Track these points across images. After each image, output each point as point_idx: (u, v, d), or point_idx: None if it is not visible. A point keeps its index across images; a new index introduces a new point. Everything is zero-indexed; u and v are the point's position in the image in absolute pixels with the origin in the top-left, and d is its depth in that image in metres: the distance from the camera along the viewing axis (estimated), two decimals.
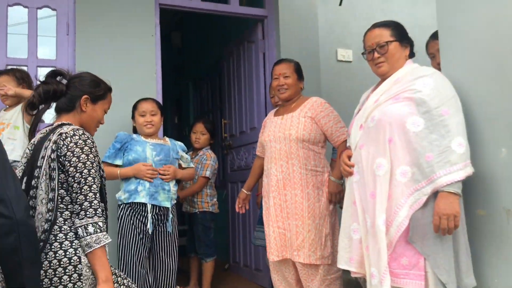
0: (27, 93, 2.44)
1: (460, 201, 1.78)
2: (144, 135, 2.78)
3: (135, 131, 2.87)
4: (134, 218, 2.62)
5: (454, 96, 1.87)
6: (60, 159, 1.63)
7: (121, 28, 3.12)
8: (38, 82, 1.80)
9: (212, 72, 5.26)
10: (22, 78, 2.58)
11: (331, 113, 2.60)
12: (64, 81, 1.81)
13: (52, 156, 1.63)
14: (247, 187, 2.93)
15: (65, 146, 1.63)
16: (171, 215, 2.71)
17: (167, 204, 2.69)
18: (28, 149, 1.73)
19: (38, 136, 1.73)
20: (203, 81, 5.68)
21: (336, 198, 2.54)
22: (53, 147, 1.64)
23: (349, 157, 2.14)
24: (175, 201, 2.78)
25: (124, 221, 2.62)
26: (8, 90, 2.45)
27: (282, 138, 2.57)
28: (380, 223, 1.86)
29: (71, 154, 1.63)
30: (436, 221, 1.75)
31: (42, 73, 2.99)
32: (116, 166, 2.69)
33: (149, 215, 2.63)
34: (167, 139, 2.87)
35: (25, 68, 2.89)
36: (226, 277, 4.06)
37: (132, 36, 3.14)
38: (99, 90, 1.86)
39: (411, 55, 2.14)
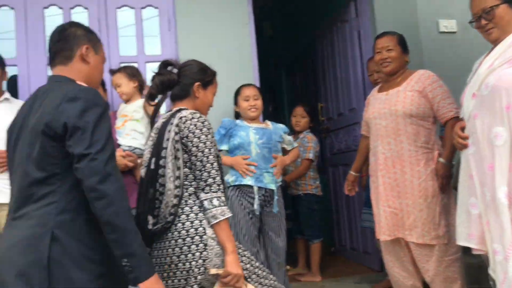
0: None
1: None
2: (248, 119, 2.85)
3: (237, 117, 2.96)
4: (243, 199, 2.71)
5: None
6: (183, 141, 1.76)
7: (217, 19, 3.23)
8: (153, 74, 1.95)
9: (304, 58, 5.24)
10: (133, 74, 2.77)
11: (439, 87, 2.45)
12: (175, 71, 1.95)
13: (175, 138, 1.76)
14: (355, 168, 2.88)
15: (186, 128, 1.76)
16: (276, 197, 2.76)
17: (273, 186, 2.74)
18: (154, 133, 1.87)
19: (160, 121, 1.87)
20: (296, 67, 5.68)
21: (444, 182, 2.39)
22: (176, 130, 1.76)
23: (463, 129, 2.01)
24: (280, 183, 2.82)
25: (233, 201, 2.73)
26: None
27: (388, 114, 2.47)
28: (501, 196, 1.73)
29: (192, 135, 1.75)
30: None
31: (150, 68, 3.23)
32: (220, 151, 2.81)
33: (256, 197, 2.70)
34: (269, 122, 2.91)
35: (135, 65, 3.13)
36: (333, 260, 4.04)
37: (228, 26, 3.24)
38: (207, 76, 1.98)
39: None
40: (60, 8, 3.13)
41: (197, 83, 1.92)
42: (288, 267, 2.97)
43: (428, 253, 2.37)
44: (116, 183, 1.35)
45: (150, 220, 1.73)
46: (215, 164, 1.76)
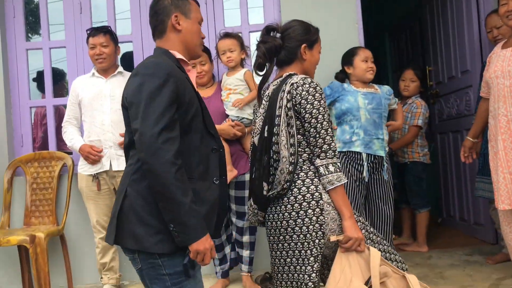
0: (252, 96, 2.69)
1: None
2: (363, 81, 2.76)
3: (342, 81, 2.87)
4: (349, 166, 2.65)
5: None
6: (296, 107, 1.74)
7: None
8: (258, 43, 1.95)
9: (411, 19, 4.93)
10: (244, 45, 2.82)
11: None
12: (278, 35, 1.90)
13: (288, 105, 1.74)
14: (473, 134, 2.70)
15: (298, 94, 1.73)
16: (386, 164, 2.68)
17: (382, 153, 2.66)
18: (265, 100, 1.87)
19: (271, 88, 1.86)
20: (401, 30, 5.37)
21: None
22: (288, 97, 1.75)
23: None
24: (388, 150, 2.74)
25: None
26: (239, 104, 2.67)
27: None
28: None
29: (305, 102, 1.73)
30: None
31: (254, 37, 3.29)
32: None
33: (365, 164, 2.64)
34: (376, 86, 2.81)
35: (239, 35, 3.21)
36: (440, 231, 3.87)
37: None
38: (312, 35, 1.90)
39: None
40: None
41: (303, 45, 1.86)
42: (393, 236, 2.91)
43: None
44: (165, 156, 1.38)
45: (265, 186, 1.76)
46: (329, 130, 1.74)
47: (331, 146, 1.73)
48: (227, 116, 2.73)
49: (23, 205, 3.11)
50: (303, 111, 1.73)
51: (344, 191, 1.73)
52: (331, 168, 1.72)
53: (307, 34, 1.89)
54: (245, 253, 2.77)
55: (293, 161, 1.73)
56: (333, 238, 1.72)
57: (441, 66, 3.90)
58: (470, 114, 3.36)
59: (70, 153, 3.26)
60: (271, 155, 1.78)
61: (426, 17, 4.18)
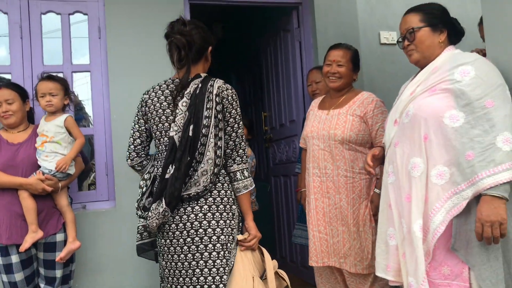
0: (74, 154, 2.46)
1: (507, 206, 1.57)
2: None
3: None
4: None
5: (500, 85, 1.65)
6: (223, 111, 1.85)
7: (151, 28, 3.05)
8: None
9: (253, 64, 5.16)
10: (68, 89, 2.57)
11: (380, 113, 2.37)
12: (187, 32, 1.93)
13: (217, 108, 1.83)
14: (303, 185, 2.66)
15: (225, 99, 1.86)
16: None
17: None
18: (186, 98, 1.85)
19: (192, 87, 1.86)
20: (245, 73, 5.59)
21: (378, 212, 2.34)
22: (217, 100, 1.84)
23: (374, 156, 2.00)
24: None
25: None
26: (64, 165, 2.38)
27: (327, 138, 2.37)
28: (416, 229, 1.70)
29: (231, 107, 1.87)
30: (479, 228, 1.56)
31: (76, 78, 3.05)
32: None
33: None
34: None
35: (61, 75, 2.94)
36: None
37: (160, 31, 3.07)
38: (213, 41, 2.00)
39: (455, 40, 1.93)
40: None
41: (211, 47, 1.96)
42: None
43: (362, 281, 2.33)
44: None
45: (182, 186, 1.78)
46: (243, 136, 1.92)
47: (245, 152, 1.91)
48: (39, 167, 2.43)
49: None
50: (229, 115, 1.87)
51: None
52: (246, 173, 1.91)
53: (211, 38, 1.96)
54: None
55: (218, 163, 1.83)
56: (240, 237, 1.88)
57: (274, 112, 4.10)
58: (295, 160, 3.56)
59: None
60: (195, 156, 1.78)
61: (263, 64, 4.39)
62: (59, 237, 2.41)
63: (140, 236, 2.04)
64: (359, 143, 2.35)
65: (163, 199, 1.80)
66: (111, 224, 2.88)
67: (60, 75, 2.94)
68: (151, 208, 1.85)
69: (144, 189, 1.97)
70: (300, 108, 3.55)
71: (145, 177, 2.00)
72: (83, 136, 2.53)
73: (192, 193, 1.79)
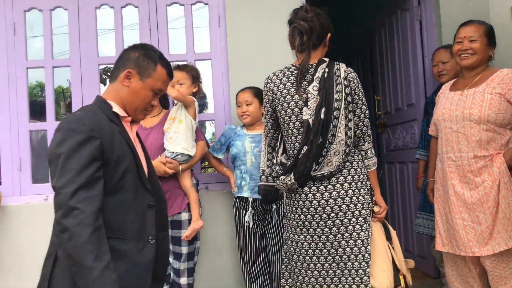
0: (189, 99, 2.55)
1: None
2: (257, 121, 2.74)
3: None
4: (240, 211, 2.70)
5: None
6: (351, 94, 1.94)
7: (269, 15, 3.07)
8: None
9: (362, 46, 4.99)
10: (197, 77, 2.64)
11: None
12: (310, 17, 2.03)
13: (346, 91, 1.92)
14: (432, 174, 2.54)
15: (352, 81, 1.95)
16: (274, 206, 2.64)
17: None
18: (316, 82, 1.94)
19: (320, 71, 1.95)
20: (353, 56, 5.43)
21: None
22: (345, 83, 1.93)
23: None
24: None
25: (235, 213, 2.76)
26: (174, 92, 2.47)
27: (461, 118, 2.20)
28: None
29: (358, 89, 1.96)
30: None
31: (200, 66, 3.19)
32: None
33: (250, 209, 2.63)
34: None
35: (185, 63, 3.10)
36: None
37: (278, 20, 3.09)
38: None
39: None
40: (111, 7, 3.15)
41: (329, 34, 2.05)
42: None
43: (506, 259, 2.14)
44: (78, 217, 1.30)
45: (314, 166, 1.90)
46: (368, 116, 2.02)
47: (370, 132, 2.02)
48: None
49: None
50: (357, 97, 1.96)
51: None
52: (373, 151, 2.05)
53: (330, 25, 2.05)
54: None
55: (349, 143, 1.94)
56: (376, 209, 2.04)
57: (389, 96, 3.94)
58: (415, 147, 3.39)
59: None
60: (327, 137, 1.88)
61: (376, 46, 4.22)
62: (184, 216, 2.54)
63: (266, 178, 2.23)
64: (498, 124, 2.15)
65: (292, 174, 1.96)
66: (230, 205, 2.99)
67: (184, 63, 3.12)
68: (280, 178, 2.03)
69: (276, 148, 2.19)
70: (420, 91, 3.36)
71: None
72: (193, 118, 2.57)
73: (326, 173, 1.92)
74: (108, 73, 10.10)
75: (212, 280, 2.96)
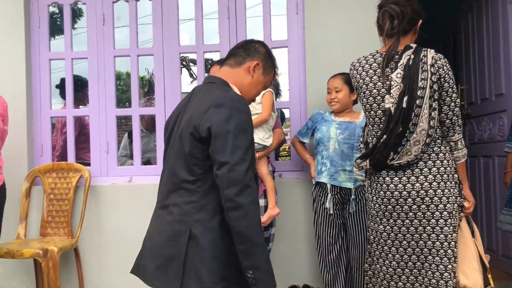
0: (264, 117, 2.56)
1: None
2: (346, 109, 2.69)
3: None
4: (320, 197, 2.67)
5: None
6: (439, 81, 1.84)
7: (348, 2, 3.02)
8: None
9: (445, 33, 4.72)
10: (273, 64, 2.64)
11: None
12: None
13: (433, 79, 1.82)
14: None
15: (441, 69, 1.84)
16: (353, 196, 2.58)
17: (349, 185, 2.57)
18: (400, 69, 1.87)
19: (405, 58, 1.87)
20: (434, 43, 5.16)
21: None
22: (432, 70, 1.82)
23: None
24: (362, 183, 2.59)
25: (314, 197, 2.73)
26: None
27: None
28: None
29: (448, 76, 1.85)
30: None
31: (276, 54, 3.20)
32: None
33: (329, 195, 2.60)
34: (361, 115, 2.67)
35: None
36: None
37: (358, 7, 3.02)
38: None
39: None
40: None
41: (421, 21, 1.96)
42: None
43: None
44: (252, 195, 1.33)
45: (391, 155, 1.87)
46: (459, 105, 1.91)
47: (460, 123, 1.91)
48: None
49: (40, 215, 3.13)
50: (447, 85, 1.85)
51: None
52: (463, 142, 1.94)
53: (421, 11, 1.96)
54: None
55: (431, 133, 1.85)
56: (466, 204, 1.95)
57: (474, 86, 3.70)
58: (503, 140, 3.17)
59: (88, 164, 3.27)
60: (408, 126, 1.83)
61: (461, 33, 3.98)
62: (260, 202, 2.58)
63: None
64: None
65: (368, 161, 1.96)
66: (304, 194, 3.00)
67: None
68: (356, 161, 2.05)
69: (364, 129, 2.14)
70: (510, 80, 3.12)
71: None
72: (268, 114, 2.56)
73: (403, 162, 1.86)
74: (184, 62, 10.47)
75: (285, 267, 2.98)
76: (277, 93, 4.23)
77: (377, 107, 1.94)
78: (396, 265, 1.92)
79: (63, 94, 3.70)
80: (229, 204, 1.32)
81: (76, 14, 9.88)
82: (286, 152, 7.65)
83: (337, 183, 2.57)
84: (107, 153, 3.24)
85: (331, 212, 2.61)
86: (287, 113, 4.24)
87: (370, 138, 2.02)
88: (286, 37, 3.15)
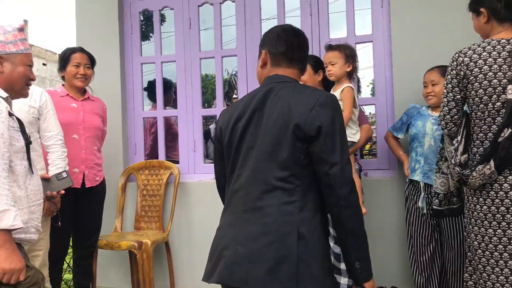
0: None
1: None
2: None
3: None
4: (413, 196, 2.59)
5: None
6: None
7: None
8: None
9: None
10: (351, 56, 2.53)
11: None
12: None
13: None
14: None
15: None
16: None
17: None
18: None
19: None
20: None
21: None
22: None
23: None
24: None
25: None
26: None
27: None
28: None
29: None
30: None
31: (360, 49, 3.14)
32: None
33: (422, 193, 2.50)
34: None
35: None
36: None
37: (449, 6, 2.85)
38: None
39: None
40: None
41: None
42: None
43: None
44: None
45: None
46: None
47: None
48: None
49: (134, 210, 3.34)
50: None
51: None
52: None
53: None
54: (343, 280, 2.65)
55: None
56: None
57: None
58: None
59: (174, 162, 3.43)
60: None
61: None
62: None
63: (439, 202, 2.19)
64: None
65: (492, 161, 1.77)
66: (391, 193, 2.90)
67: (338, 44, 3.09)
68: (476, 169, 1.82)
69: (456, 145, 1.95)
70: None
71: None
72: (349, 111, 2.44)
73: None
74: None
75: (373, 268, 2.90)
76: (358, 89, 4.15)
77: (496, 98, 1.79)
78: (509, 272, 1.77)
79: (150, 96, 3.92)
80: (343, 203, 1.36)
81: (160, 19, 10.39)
82: (366, 151, 7.45)
83: (431, 182, 2.46)
84: (194, 151, 3.38)
85: (424, 211, 2.51)
86: (372, 109, 4.14)
87: (481, 138, 1.87)
88: (370, 31, 3.07)
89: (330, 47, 2.57)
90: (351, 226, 1.38)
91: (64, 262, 2.90)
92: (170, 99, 4.04)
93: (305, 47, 1.59)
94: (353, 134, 2.52)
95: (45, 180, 1.97)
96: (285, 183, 1.41)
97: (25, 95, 1.82)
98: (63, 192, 2.04)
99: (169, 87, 3.98)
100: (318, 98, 1.42)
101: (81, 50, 2.87)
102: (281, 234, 1.37)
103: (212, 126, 5.45)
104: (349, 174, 1.37)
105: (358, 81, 4.21)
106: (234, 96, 8.26)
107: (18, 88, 1.77)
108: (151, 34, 6.71)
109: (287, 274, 1.34)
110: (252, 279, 1.36)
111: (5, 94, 1.69)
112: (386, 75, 3.01)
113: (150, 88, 3.82)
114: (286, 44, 1.55)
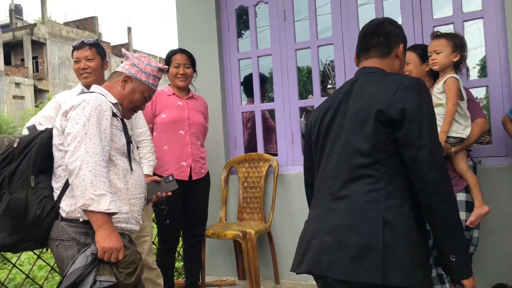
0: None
1: None
2: None
3: None
4: None
5: None
6: None
7: None
8: None
9: None
10: (461, 45, 2.31)
11: None
12: None
13: None
14: None
15: None
16: None
17: None
18: None
19: None
20: None
21: None
22: None
23: None
24: None
25: None
26: None
27: None
28: None
29: None
30: None
31: (468, 28, 2.90)
32: None
33: None
34: None
35: (450, 26, 2.86)
36: None
37: None
38: None
39: None
40: None
41: None
42: None
43: None
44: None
45: None
46: None
47: None
48: None
49: (236, 201, 3.45)
50: None
51: None
52: None
53: None
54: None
55: None
56: None
57: None
58: None
59: (275, 155, 3.47)
60: None
61: None
62: (460, 197, 2.31)
63: None
64: None
65: None
66: (509, 182, 2.65)
67: (451, 26, 2.88)
68: None
69: None
70: None
71: None
72: (453, 104, 2.22)
73: None
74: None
75: (490, 264, 2.69)
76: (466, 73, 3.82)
77: None
78: None
79: (246, 91, 4.00)
80: (432, 188, 1.31)
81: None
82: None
83: None
84: (292, 144, 3.39)
85: None
86: (481, 92, 3.78)
87: None
88: (480, 7, 2.82)
89: (437, 35, 2.39)
90: (442, 213, 1.31)
91: (176, 251, 3.10)
92: (264, 93, 4.09)
93: (381, 31, 1.56)
94: (462, 130, 2.28)
95: (156, 182, 2.12)
96: (370, 171, 1.38)
97: (127, 117, 1.93)
98: (170, 193, 2.17)
99: (264, 82, 4.04)
100: (402, 82, 1.40)
101: (180, 51, 3.02)
102: (367, 221, 1.34)
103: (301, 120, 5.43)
104: (439, 158, 1.31)
105: (468, 70, 3.89)
106: (329, 86, 8.13)
107: (125, 108, 1.88)
108: (242, 32, 6.88)
109: (372, 262, 1.30)
110: (338, 267, 1.35)
111: (115, 100, 1.84)
112: (500, 53, 2.75)
113: (246, 83, 3.91)
114: (361, 37, 1.60)
